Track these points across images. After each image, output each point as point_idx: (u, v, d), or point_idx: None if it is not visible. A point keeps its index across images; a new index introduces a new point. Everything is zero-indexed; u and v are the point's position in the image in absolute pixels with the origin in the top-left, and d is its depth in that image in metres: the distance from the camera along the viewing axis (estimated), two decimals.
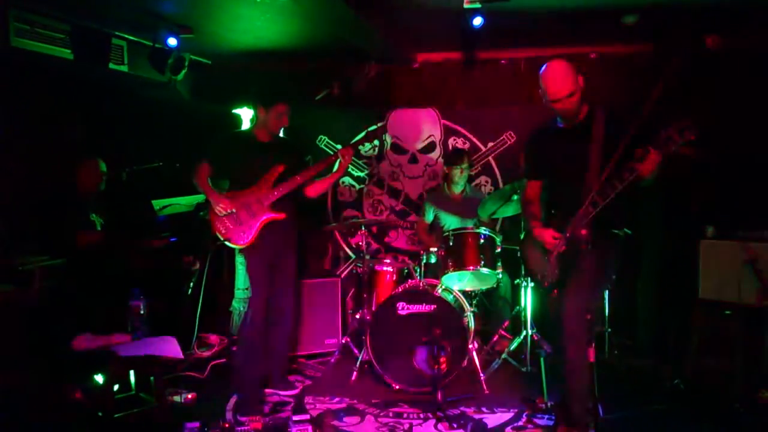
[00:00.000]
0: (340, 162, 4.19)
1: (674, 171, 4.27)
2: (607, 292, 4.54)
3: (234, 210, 3.99)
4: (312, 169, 4.18)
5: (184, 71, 4.97)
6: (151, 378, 3.82)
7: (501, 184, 5.76)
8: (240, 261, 5.32)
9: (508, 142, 5.78)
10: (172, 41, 4.65)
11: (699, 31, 4.70)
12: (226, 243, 4.04)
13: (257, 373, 4.16)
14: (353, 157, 5.32)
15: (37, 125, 4.80)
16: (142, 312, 4.01)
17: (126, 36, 4.86)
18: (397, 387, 4.23)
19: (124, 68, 4.90)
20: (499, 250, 4.57)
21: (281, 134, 4.43)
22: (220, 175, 4.21)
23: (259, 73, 5.65)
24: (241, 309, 5.32)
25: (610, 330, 4.70)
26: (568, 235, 3.30)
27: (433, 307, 4.27)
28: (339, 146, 5.99)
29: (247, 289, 5.08)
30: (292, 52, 5.29)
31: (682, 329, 4.44)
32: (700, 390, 4.13)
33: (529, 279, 4.49)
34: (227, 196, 4.02)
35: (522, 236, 3.79)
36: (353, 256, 5.95)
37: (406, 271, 4.85)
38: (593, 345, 3.26)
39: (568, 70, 3.27)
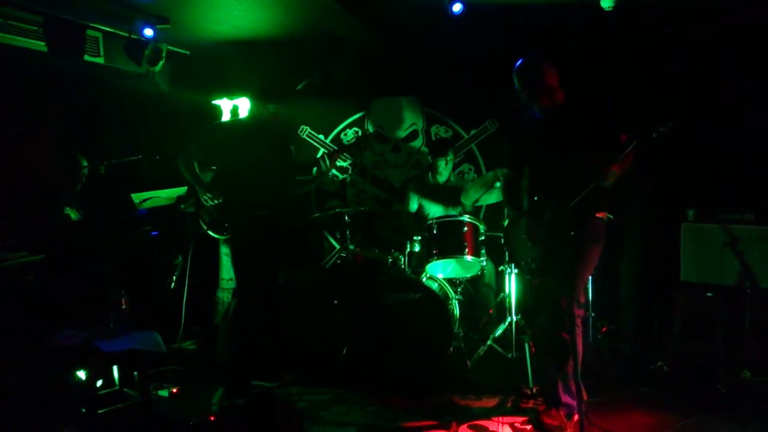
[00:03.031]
0: (323, 165, 4.19)
1: (656, 155, 4.32)
2: (590, 276, 4.57)
3: (221, 200, 3.95)
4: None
5: (161, 62, 4.88)
6: (135, 373, 3.78)
7: (484, 172, 5.76)
8: (224, 251, 5.27)
9: (491, 129, 5.78)
10: (149, 32, 4.57)
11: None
12: (210, 232, 4.01)
13: (243, 365, 4.13)
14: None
15: (11, 119, 4.71)
16: (124, 307, 3.97)
17: (101, 27, 4.76)
18: (384, 375, 4.23)
19: (100, 60, 4.81)
20: (482, 237, 4.57)
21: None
22: (207, 164, 4.18)
23: (240, 64, 5.57)
24: (226, 300, 5.28)
25: (593, 314, 4.73)
26: (550, 220, 3.30)
27: (418, 295, 4.27)
28: (321, 136, 5.97)
29: (231, 279, 5.04)
30: (271, 41, 5.23)
31: (665, 312, 4.48)
32: (684, 372, 4.16)
33: (513, 265, 4.49)
34: (215, 186, 3.99)
35: (505, 223, 3.79)
36: (338, 246, 5.93)
37: (390, 260, 4.84)
38: (578, 329, 3.29)
39: (541, 65, 3.25)
